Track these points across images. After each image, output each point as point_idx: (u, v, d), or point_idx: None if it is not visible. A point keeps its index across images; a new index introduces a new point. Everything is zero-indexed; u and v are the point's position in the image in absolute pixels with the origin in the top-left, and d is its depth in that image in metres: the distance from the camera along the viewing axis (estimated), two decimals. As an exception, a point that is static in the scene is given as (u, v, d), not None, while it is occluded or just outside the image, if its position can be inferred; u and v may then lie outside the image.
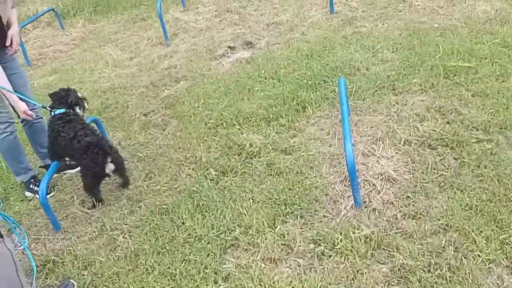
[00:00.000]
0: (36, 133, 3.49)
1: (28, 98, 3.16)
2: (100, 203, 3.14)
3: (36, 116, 3.47)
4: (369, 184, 2.78)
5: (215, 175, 3.22)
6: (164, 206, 3.00)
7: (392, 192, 2.68)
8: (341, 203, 2.70)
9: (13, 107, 3.04)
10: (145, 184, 3.29)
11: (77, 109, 3.24)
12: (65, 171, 3.64)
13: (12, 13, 3.18)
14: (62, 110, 3.15)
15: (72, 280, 2.53)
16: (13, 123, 3.22)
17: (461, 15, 4.76)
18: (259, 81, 4.38)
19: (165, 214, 2.94)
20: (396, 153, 2.99)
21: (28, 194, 3.48)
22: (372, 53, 4.33)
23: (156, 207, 3.01)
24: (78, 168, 3.66)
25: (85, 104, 3.34)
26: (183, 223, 2.82)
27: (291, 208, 2.72)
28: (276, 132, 3.54)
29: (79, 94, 3.33)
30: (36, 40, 6.99)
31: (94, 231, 2.91)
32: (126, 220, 2.97)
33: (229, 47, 5.39)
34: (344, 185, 2.83)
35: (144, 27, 6.81)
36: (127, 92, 4.84)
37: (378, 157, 3.00)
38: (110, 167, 3.00)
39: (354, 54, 4.36)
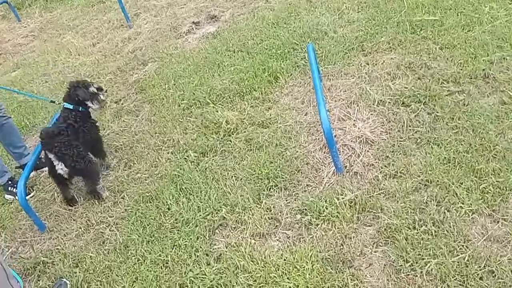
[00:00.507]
0: (6, 133, 3.39)
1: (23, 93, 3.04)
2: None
3: (4, 116, 3.36)
4: (348, 149, 2.81)
5: (195, 156, 3.20)
6: (147, 194, 2.98)
7: (372, 154, 2.72)
8: (322, 170, 2.73)
9: None
10: (125, 174, 3.26)
11: (90, 104, 3.08)
12: (42, 169, 3.56)
13: None
14: (70, 106, 3.03)
15: (64, 279, 2.53)
16: None
17: (422, -34, 4.72)
18: (228, 55, 4.31)
19: (150, 202, 2.93)
20: (371, 114, 3.02)
21: (8, 197, 3.40)
22: (338, 15, 4.29)
23: (139, 195, 3.00)
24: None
25: (101, 97, 3.14)
26: (168, 208, 2.82)
27: (274, 181, 2.74)
28: (251, 106, 3.52)
29: (93, 87, 3.13)
30: (-9, 35, 6.69)
31: (80, 228, 2.88)
32: (111, 213, 2.95)
33: (193, 22, 5.26)
34: (324, 153, 2.85)
35: (102, 10, 6.57)
36: (94, 80, 4.70)
37: (354, 121, 3.03)
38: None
39: (320, 18, 4.32)
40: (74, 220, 2.98)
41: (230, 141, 3.23)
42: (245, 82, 3.77)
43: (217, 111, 3.54)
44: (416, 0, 4.06)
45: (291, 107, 3.37)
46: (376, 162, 2.68)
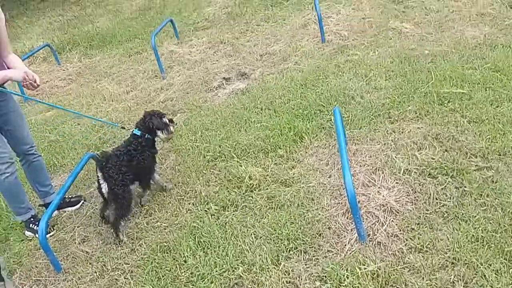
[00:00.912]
0: (35, 171, 3.48)
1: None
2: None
3: (35, 154, 3.46)
4: (372, 216, 2.77)
5: (216, 210, 3.20)
6: (165, 244, 2.97)
7: (396, 224, 2.67)
8: (344, 236, 2.69)
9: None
10: (145, 221, 3.27)
11: (160, 133, 3.30)
12: (64, 209, 3.61)
13: (15, 58, 3.19)
14: (138, 132, 3.25)
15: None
16: (13, 163, 3.20)
17: (450, 41, 4.86)
18: (255, 112, 4.41)
19: (167, 252, 2.90)
20: (397, 183, 3.00)
21: (28, 233, 3.44)
22: (366, 81, 4.39)
23: (157, 244, 2.98)
24: (78, 205, 3.65)
25: (171, 128, 3.36)
26: (185, 261, 2.78)
27: (294, 243, 2.70)
28: (275, 164, 3.55)
29: (165, 118, 3.36)
30: (31, 76, 7.04)
31: (95, 272, 2.87)
32: (127, 259, 2.93)
33: (224, 78, 5.44)
34: (347, 218, 2.82)
35: (139, 60, 6.88)
36: (126, 126, 4.84)
37: (379, 188, 3.00)
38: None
39: (348, 83, 4.42)
40: (90, 264, 2.96)
41: (252, 197, 3.23)
42: (270, 139, 3.83)
43: (241, 166, 3.57)
44: (443, 72, 4.14)
45: (315, 168, 3.38)
46: (400, 233, 2.62)
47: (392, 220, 2.71)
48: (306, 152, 3.60)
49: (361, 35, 5.51)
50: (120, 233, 3.10)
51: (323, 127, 3.83)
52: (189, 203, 3.35)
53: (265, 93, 4.72)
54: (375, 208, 2.84)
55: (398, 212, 2.76)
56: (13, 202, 3.36)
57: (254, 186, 3.33)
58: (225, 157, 3.77)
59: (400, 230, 2.63)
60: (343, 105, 4.01)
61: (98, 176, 3.09)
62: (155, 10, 9.11)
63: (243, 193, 3.29)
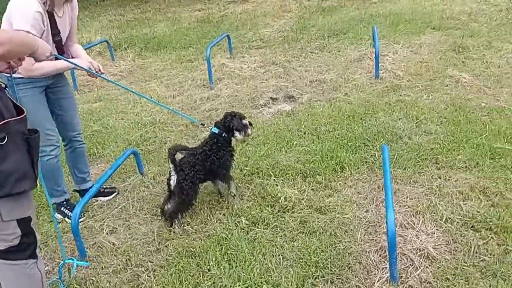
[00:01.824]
0: (77, 157, 3.55)
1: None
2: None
3: (80, 141, 3.54)
4: (407, 259, 2.66)
5: (246, 224, 3.16)
6: (191, 249, 2.94)
7: (431, 271, 2.55)
8: (375, 274, 2.58)
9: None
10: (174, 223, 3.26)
11: (238, 134, 3.34)
12: (97, 198, 3.65)
13: (79, 47, 3.32)
14: (216, 130, 3.32)
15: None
16: (58, 147, 3.28)
17: (509, 97, 4.72)
18: (298, 135, 4.39)
19: (192, 258, 2.87)
20: (437, 229, 2.88)
21: (58, 216, 3.48)
22: (416, 123, 4.30)
23: (183, 248, 2.96)
24: (111, 196, 3.69)
25: (249, 131, 3.39)
26: (209, 269, 2.74)
27: (322, 272, 2.62)
28: (312, 189, 3.49)
29: (246, 120, 3.41)
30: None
31: (119, 264, 2.86)
32: (151, 258, 2.92)
33: (271, 98, 5.47)
34: (380, 256, 2.72)
35: (189, 68, 7.04)
36: (167, 128, 4.93)
37: (418, 231, 2.89)
38: None
39: (397, 122, 4.35)
40: (115, 256, 2.96)
41: (284, 218, 3.17)
42: (310, 164, 3.79)
43: (277, 185, 3.53)
44: (498, 127, 4.01)
45: (352, 200, 3.30)
46: (434, 281, 2.50)
47: (427, 266, 2.59)
48: (345, 183, 3.53)
49: (416, 78, 5.44)
50: (175, 222, 3.19)
51: (366, 161, 3.76)
52: (220, 214, 3.32)
53: (311, 118, 4.70)
54: (411, 251, 2.73)
55: (434, 259, 2.64)
56: (50, 184, 3.43)
57: (288, 207, 3.28)
58: (262, 174, 3.74)
59: (434, 278, 2.50)
60: (389, 143, 3.94)
61: (170, 168, 3.16)
62: (213, 24, 9.35)
63: (276, 213, 3.25)
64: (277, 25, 8.87)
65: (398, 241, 2.82)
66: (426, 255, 2.68)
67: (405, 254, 2.71)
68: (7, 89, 1.98)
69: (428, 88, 5.12)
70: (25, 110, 1.97)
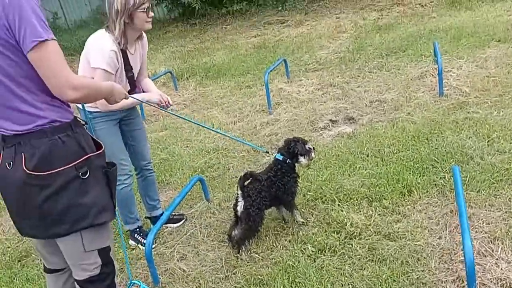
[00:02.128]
0: (148, 185, 3.72)
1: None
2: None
3: (150, 169, 3.72)
4: (487, 289, 2.51)
5: (312, 251, 3.13)
6: (259, 277, 2.96)
7: (516, 303, 2.39)
8: (453, 305, 2.46)
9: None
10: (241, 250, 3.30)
11: (302, 159, 3.39)
12: (167, 225, 3.79)
13: (149, 81, 3.53)
14: (280, 157, 3.39)
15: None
16: (131, 175, 3.47)
17: None
18: (361, 158, 4.31)
19: (260, 286, 2.89)
20: (519, 257, 2.70)
21: (131, 242, 3.66)
22: (487, 142, 4.08)
23: (251, 276, 2.98)
24: (180, 223, 3.82)
25: (313, 154, 3.45)
26: (278, 298, 2.74)
27: (395, 302, 2.53)
28: (379, 214, 3.40)
29: (309, 144, 3.48)
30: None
31: (189, 292, 2.95)
32: (221, 285, 2.97)
33: (330, 120, 5.44)
34: (457, 286, 2.58)
35: (248, 94, 7.18)
36: (229, 154, 5.04)
37: (497, 259, 2.72)
38: None
39: (466, 141, 4.15)
40: (186, 283, 3.05)
41: (352, 245, 3.12)
42: (375, 188, 3.71)
43: (342, 211, 3.48)
44: None
45: (423, 226, 3.18)
46: (520, 314, 2.33)
47: (512, 299, 2.43)
48: (414, 208, 3.41)
49: (484, 94, 5.18)
50: (242, 248, 3.22)
51: (435, 184, 3.62)
52: (286, 240, 3.33)
53: (373, 140, 4.61)
54: (491, 281, 2.57)
55: (520, 291, 2.46)
56: (124, 211, 3.61)
57: (355, 234, 3.21)
58: (326, 199, 3.71)
59: (522, 312, 2.33)
60: (460, 164, 3.76)
61: (237, 194, 3.24)
62: (269, 49, 9.52)
63: (342, 239, 3.19)
64: (333, 46, 8.86)
65: (477, 270, 2.66)
66: (508, 285, 2.51)
67: (484, 284, 2.56)
68: (86, 125, 2.13)
69: (498, 104, 4.85)
70: (102, 145, 2.11)
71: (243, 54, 9.54)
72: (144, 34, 3.34)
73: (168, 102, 3.34)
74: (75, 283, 2.16)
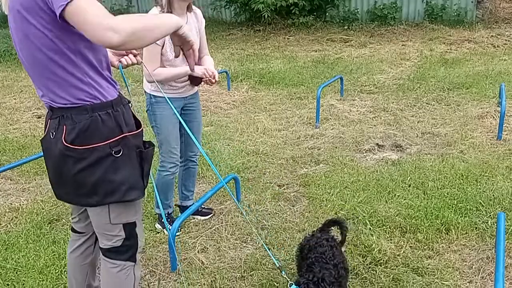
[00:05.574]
0: (188, 176, 3.75)
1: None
2: None
3: (195, 162, 3.73)
4: None
5: (334, 270, 3.03)
6: (275, 284, 2.91)
7: None
8: None
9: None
10: (262, 253, 3.26)
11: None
12: (195, 216, 3.82)
13: (209, 58, 3.36)
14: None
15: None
16: (178, 165, 3.48)
17: None
18: (402, 187, 4.16)
19: (274, 292, 2.84)
20: (557, 320, 2.48)
21: (157, 226, 3.71)
22: (541, 194, 3.82)
23: (267, 281, 2.94)
24: (208, 217, 3.84)
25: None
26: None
27: (411, 339, 2.39)
28: (410, 246, 3.26)
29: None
30: (203, 94, 7.82)
31: (204, 284, 2.93)
32: (235, 284, 2.94)
33: (377, 144, 5.30)
34: (482, 336, 2.41)
35: (298, 105, 7.15)
36: (268, 160, 5.02)
37: (531, 317, 2.52)
38: None
39: (518, 189, 3.90)
40: (202, 275, 3.05)
41: (376, 271, 3.00)
42: (412, 219, 3.55)
43: (372, 235, 3.37)
44: None
45: (455, 267, 3.00)
46: None
47: None
48: (449, 247, 3.23)
49: (546, 143, 4.88)
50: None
51: (476, 227, 3.42)
52: (309, 254, 3.24)
53: (418, 171, 4.43)
54: None
55: None
56: (160, 196, 3.63)
57: (381, 261, 3.09)
58: (358, 221, 3.60)
59: None
60: (507, 212, 3.54)
61: None
62: (327, 65, 9.45)
63: (367, 264, 3.08)
64: (393, 72, 8.67)
65: (506, 323, 2.48)
66: None
67: None
68: (131, 103, 2.17)
69: (561, 157, 4.54)
70: (141, 124, 2.13)
71: (301, 66, 9.54)
72: (198, 10, 3.28)
73: (214, 77, 3.14)
74: (100, 250, 2.23)
